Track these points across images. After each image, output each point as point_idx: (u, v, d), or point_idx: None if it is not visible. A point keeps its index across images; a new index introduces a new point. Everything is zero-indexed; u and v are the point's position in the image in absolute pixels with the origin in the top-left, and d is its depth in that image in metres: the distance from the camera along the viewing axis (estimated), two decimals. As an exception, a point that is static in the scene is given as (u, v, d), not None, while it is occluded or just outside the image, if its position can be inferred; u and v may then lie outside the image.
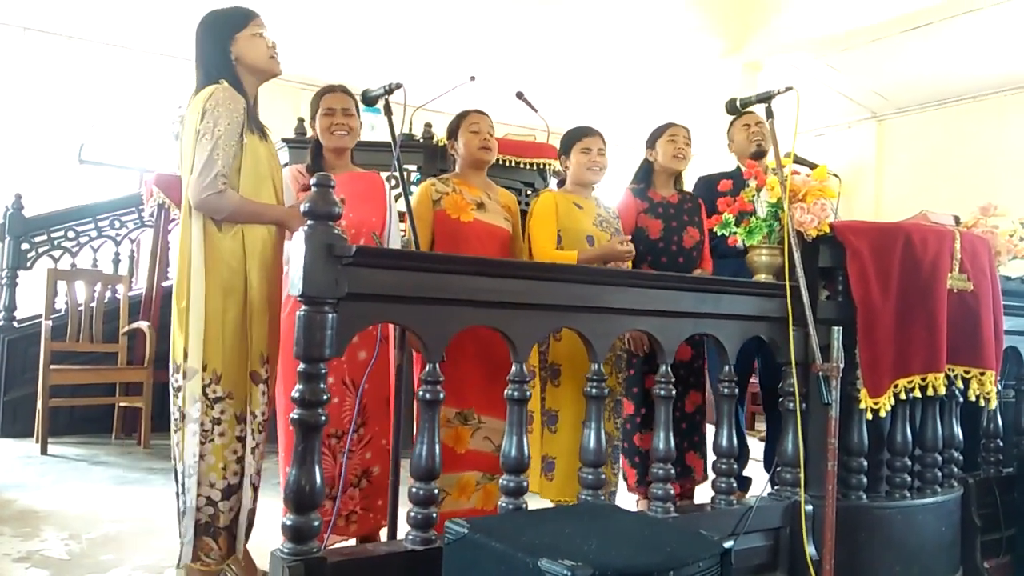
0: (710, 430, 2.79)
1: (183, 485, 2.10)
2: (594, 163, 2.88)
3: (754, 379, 3.68)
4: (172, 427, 2.15)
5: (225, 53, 2.21)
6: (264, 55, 2.25)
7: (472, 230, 2.71)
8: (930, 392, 2.53)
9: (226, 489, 2.13)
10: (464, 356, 2.56)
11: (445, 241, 2.69)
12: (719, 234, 2.71)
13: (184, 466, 2.10)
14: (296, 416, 1.72)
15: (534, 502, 2.86)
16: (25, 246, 5.16)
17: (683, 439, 2.98)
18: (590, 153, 2.88)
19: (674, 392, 2.30)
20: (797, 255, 2.37)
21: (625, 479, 3.06)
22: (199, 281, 2.11)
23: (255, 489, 2.21)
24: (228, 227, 2.14)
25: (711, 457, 2.56)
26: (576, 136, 2.92)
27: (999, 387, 2.79)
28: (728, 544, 1.61)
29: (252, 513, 2.23)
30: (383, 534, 2.40)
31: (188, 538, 2.10)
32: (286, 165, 4.20)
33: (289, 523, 1.70)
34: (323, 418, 1.74)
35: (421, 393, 1.89)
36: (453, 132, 2.85)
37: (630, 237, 3.03)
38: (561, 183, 3.08)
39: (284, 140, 4.57)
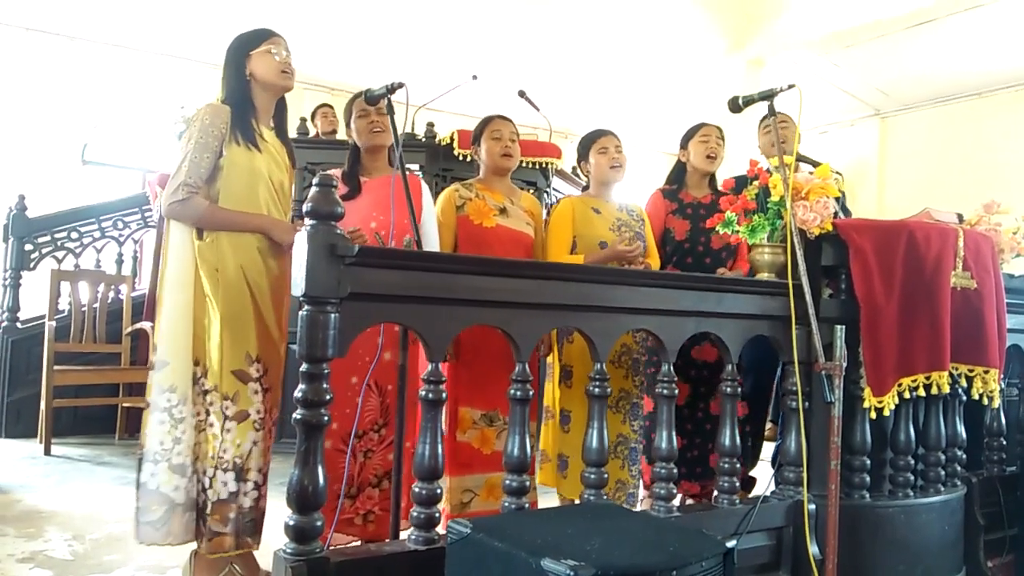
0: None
1: (141, 466, 2.23)
2: (614, 160, 2.92)
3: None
4: None
5: (240, 70, 2.36)
6: (273, 70, 2.37)
7: (495, 235, 2.75)
8: (934, 391, 2.52)
9: (213, 478, 2.21)
10: (490, 357, 2.60)
11: (468, 246, 2.74)
12: (720, 232, 2.71)
13: (147, 450, 2.22)
14: (299, 416, 1.72)
15: (548, 498, 2.89)
16: (28, 247, 5.18)
17: (707, 440, 2.97)
18: (608, 152, 2.92)
19: (676, 392, 2.29)
20: (800, 253, 2.36)
21: (642, 477, 3.06)
22: (174, 281, 2.26)
23: (259, 488, 2.25)
24: (208, 233, 2.27)
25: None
26: (592, 139, 2.97)
27: (1002, 385, 2.79)
28: (731, 544, 1.60)
29: (262, 513, 2.29)
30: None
31: (149, 518, 2.21)
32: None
33: (292, 523, 1.71)
34: (326, 418, 1.74)
35: (423, 393, 1.89)
36: (476, 138, 2.90)
37: (659, 238, 3.06)
38: (585, 188, 3.12)
39: (286, 140, 4.56)
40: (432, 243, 2.70)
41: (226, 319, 2.23)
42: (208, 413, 2.23)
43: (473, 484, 2.63)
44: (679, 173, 3.21)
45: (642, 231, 2.97)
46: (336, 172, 2.70)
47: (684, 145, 3.18)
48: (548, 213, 3.18)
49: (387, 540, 2.44)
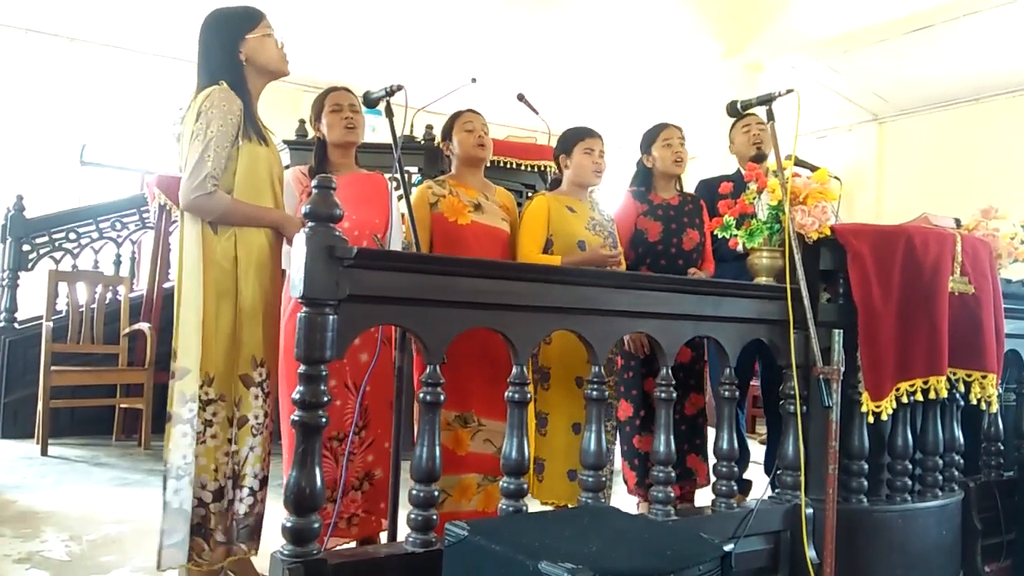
0: (711, 433, 2.78)
1: (165, 484, 2.08)
2: (597, 165, 2.87)
3: (754, 382, 3.67)
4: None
5: (233, 53, 2.20)
6: (277, 56, 2.26)
7: (470, 232, 2.69)
8: (931, 395, 2.52)
9: (217, 491, 2.12)
10: (464, 358, 2.54)
11: (443, 244, 2.67)
12: (719, 237, 2.71)
13: (170, 465, 2.08)
14: (296, 418, 1.72)
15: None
16: (26, 247, 5.17)
17: (683, 442, 2.97)
18: (592, 154, 2.86)
19: (675, 394, 2.29)
20: (798, 257, 2.37)
21: (625, 481, 3.05)
22: (191, 283, 2.12)
23: (255, 493, 2.19)
24: (223, 230, 2.14)
25: (713, 460, 2.56)
26: (578, 136, 2.89)
27: (1000, 390, 2.79)
28: (728, 547, 1.61)
29: (259, 517, 2.22)
30: (384, 537, 2.40)
31: (173, 540, 2.06)
32: (288, 167, 4.23)
33: (289, 525, 1.70)
34: (323, 420, 1.74)
35: (421, 395, 1.89)
36: (447, 133, 2.84)
37: (630, 239, 3.04)
38: (554, 183, 3.06)
39: (285, 142, 4.58)
40: (400, 241, 2.68)
41: (238, 321, 2.13)
42: (211, 423, 2.10)
43: (445, 484, 2.56)
44: (645, 175, 3.17)
45: (614, 231, 2.95)
46: (303, 168, 2.68)
47: (647, 150, 3.14)
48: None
49: (376, 541, 2.45)
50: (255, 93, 2.27)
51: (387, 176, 2.85)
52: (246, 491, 2.17)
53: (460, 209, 2.71)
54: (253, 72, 2.24)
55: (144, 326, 4.87)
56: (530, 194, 4.65)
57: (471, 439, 2.62)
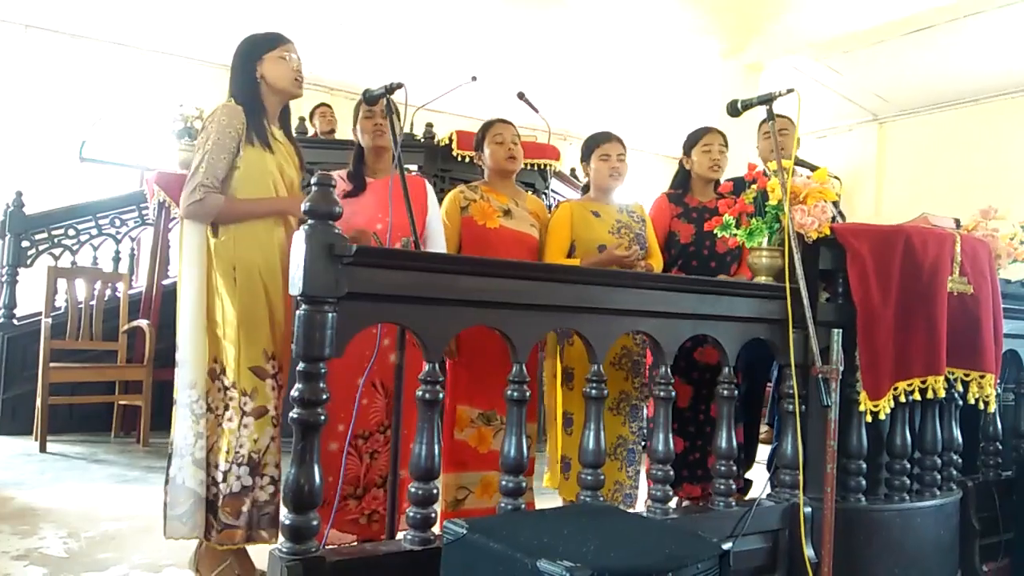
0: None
1: (170, 461, 2.30)
2: (614, 169, 2.93)
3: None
4: None
5: (251, 71, 2.39)
6: (287, 76, 2.41)
7: (499, 236, 2.78)
8: (930, 395, 2.52)
9: (226, 472, 2.26)
10: (487, 357, 2.62)
11: (472, 247, 2.77)
12: (718, 236, 2.71)
13: (175, 445, 2.30)
14: (295, 415, 1.72)
15: (551, 499, 2.88)
16: (25, 244, 5.16)
17: (709, 443, 2.94)
18: (609, 159, 2.93)
19: (673, 394, 2.29)
20: (797, 257, 2.36)
21: (648, 478, 3.06)
22: (190, 281, 2.29)
23: (275, 482, 2.30)
24: (223, 231, 2.29)
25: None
26: (595, 142, 2.98)
27: (998, 390, 2.79)
28: (727, 546, 1.61)
29: (279, 506, 2.30)
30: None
31: (177, 512, 2.26)
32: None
33: (288, 522, 1.71)
34: (322, 417, 1.74)
35: (420, 393, 1.89)
36: (479, 144, 2.93)
37: (664, 241, 3.07)
38: (586, 188, 3.14)
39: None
40: (439, 243, 2.71)
41: (242, 317, 2.27)
42: (227, 407, 2.28)
43: (468, 481, 2.65)
44: (683, 178, 3.20)
45: (643, 232, 2.98)
46: (342, 172, 2.72)
47: (687, 152, 3.17)
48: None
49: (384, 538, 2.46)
50: (271, 108, 2.44)
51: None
52: (267, 479, 2.30)
53: (490, 214, 2.80)
54: (268, 90, 2.42)
55: (143, 323, 4.87)
56: (530, 192, 4.67)
57: (494, 437, 2.68)
